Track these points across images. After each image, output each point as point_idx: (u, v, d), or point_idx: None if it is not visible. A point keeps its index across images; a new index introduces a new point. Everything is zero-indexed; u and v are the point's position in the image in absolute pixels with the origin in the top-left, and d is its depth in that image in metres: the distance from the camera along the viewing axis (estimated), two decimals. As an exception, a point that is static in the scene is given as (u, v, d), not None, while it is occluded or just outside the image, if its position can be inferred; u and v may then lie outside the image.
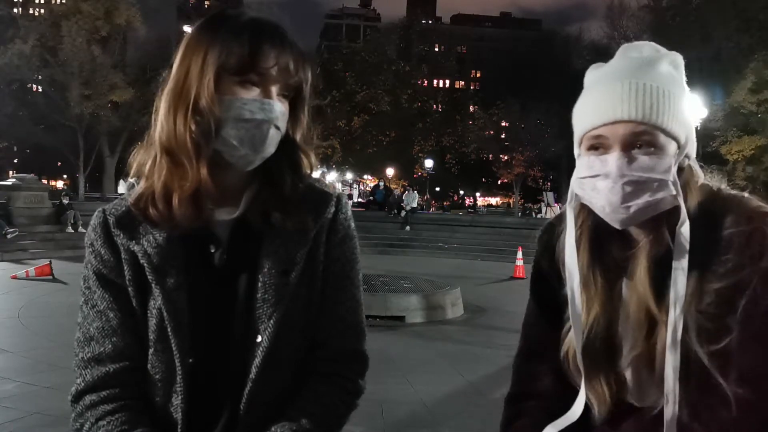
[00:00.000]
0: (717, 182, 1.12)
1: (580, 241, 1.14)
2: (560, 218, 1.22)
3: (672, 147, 1.05)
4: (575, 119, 1.12)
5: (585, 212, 1.14)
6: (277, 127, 1.05)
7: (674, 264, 1.04)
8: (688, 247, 1.03)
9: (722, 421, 1.01)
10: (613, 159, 1.03)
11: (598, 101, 1.06)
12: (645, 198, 1.03)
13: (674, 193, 1.03)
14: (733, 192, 1.09)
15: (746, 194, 1.09)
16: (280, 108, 1.05)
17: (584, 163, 1.08)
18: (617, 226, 1.07)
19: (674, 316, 1.02)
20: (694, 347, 1.02)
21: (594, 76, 1.14)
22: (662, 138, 1.04)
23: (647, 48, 1.12)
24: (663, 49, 1.12)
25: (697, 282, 1.03)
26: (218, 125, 1.02)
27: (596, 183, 1.05)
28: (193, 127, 1.02)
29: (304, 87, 1.09)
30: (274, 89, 1.04)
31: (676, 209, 1.05)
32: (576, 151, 1.14)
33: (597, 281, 1.12)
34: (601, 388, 1.12)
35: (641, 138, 1.03)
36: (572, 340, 1.13)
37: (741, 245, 1.01)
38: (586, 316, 1.12)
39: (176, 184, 1.04)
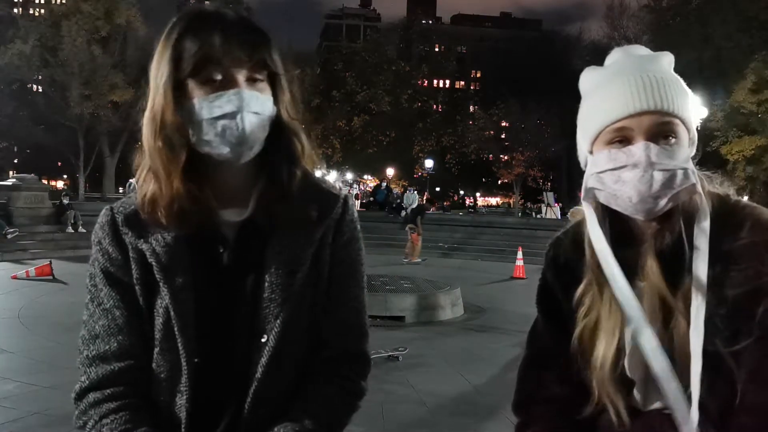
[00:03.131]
0: (724, 189, 1.13)
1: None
2: (567, 233, 1.22)
3: (687, 138, 1.07)
4: (587, 117, 1.11)
5: (599, 213, 1.13)
6: (255, 112, 1.03)
7: (695, 252, 1.04)
8: (708, 235, 1.04)
9: (733, 426, 1.01)
10: (639, 149, 1.02)
11: (618, 94, 1.05)
12: (673, 187, 1.03)
13: (694, 182, 1.04)
14: (742, 201, 1.11)
15: (754, 204, 1.11)
16: (250, 93, 1.03)
17: (604, 156, 1.07)
18: (641, 216, 1.07)
19: (696, 303, 1.03)
20: (709, 348, 1.02)
21: (595, 77, 1.13)
22: (681, 128, 1.05)
23: (643, 48, 1.13)
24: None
25: (712, 287, 1.03)
26: (196, 130, 1.02)
27: (621, 174, 1.04)
28: (160, 144, 1.03)
29: (269, 63, 1.05)
30: (239, 76, 1.02)
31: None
32: (585, 149, 1.13)
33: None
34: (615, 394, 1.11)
35: (666, 128, 1.04)
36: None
37: (760, 255, 1.02)
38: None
39: (160, 196, 1.05)
